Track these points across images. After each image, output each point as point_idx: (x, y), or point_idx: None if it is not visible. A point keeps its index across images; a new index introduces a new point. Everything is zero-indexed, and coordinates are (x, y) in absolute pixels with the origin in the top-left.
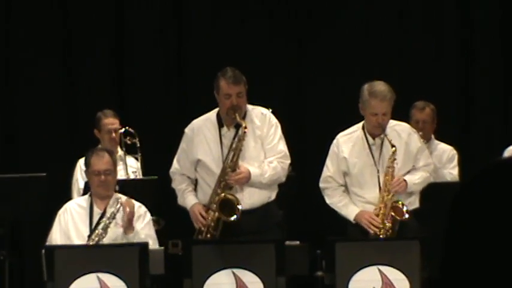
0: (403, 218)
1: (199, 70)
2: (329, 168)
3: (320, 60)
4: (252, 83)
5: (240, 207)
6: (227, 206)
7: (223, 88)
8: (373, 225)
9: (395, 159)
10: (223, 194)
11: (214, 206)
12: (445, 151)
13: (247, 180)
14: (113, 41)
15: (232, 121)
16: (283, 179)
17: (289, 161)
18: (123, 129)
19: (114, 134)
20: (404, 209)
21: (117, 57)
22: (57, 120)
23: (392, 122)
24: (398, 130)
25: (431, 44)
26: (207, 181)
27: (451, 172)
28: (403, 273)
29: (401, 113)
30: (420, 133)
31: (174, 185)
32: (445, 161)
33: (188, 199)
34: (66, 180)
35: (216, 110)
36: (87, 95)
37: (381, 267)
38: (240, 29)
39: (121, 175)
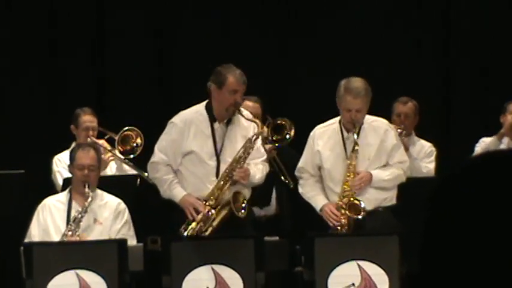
0: (359, 216)
1: (179, 65)
2: (303, 160)
3: (302, 57)
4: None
5: (245, 204)
6: (237, 201)
7: (232, 84)
8: (332, 218)
9: (357, 157)
10: (228, 189)
11: (213, 200)
12: (424, 146)
13: (248, 179)
14: (94, 36)
15: (226, 117)
16: (263, 181)
17: (268, 165)
18: (106, 137)
19: (90, 132)
20: (362, 206)
21: (98, 54)
22: (35, 117)
23: (370, 118)
24: (376, 126)
25: (413, 42)
26: (196, 173)
27: (427, 166)
28: (382, 268)
29: (383, 109)
30: (402, 126)
31: (157, 175)
32: (422, 155)
33: (177, 190)
34: (44, 177)
35: (204, 103)
36: (66, 91)
37: (360, 262)
38: (223, 25)
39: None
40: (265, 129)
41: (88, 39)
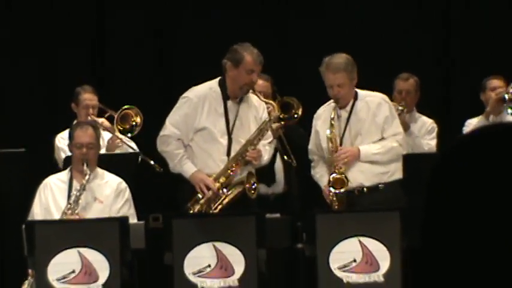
0: (340, 189)
1: (177, 45)
2: (310, 141)
3: (302, 38)
4: None
5: (255, 185)
6: (249, 182)
7: (249, 63)
8: (327, 195)
9: (334, 131)
10: (248, 171)
11: (224, 179)
12: (425, 123)
13: (260, 160)
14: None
15: (239, 95)
16: (268, 162)
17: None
18: (106, 115)
19: (91, 110)
20: (343, 177)
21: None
22: (35, 95)
23: (365, 93)
24: (369, 101)
25: (412, 18)
26: (207, 150)
27: (429, 143)
28: (383, 244)
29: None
30: (402, 103)
31: (168, 148)
32: (424, 132)
33: (187, 165)
34: (46, 155)
35: (217, 80)
36: (66, 70)
37: (361, 238)
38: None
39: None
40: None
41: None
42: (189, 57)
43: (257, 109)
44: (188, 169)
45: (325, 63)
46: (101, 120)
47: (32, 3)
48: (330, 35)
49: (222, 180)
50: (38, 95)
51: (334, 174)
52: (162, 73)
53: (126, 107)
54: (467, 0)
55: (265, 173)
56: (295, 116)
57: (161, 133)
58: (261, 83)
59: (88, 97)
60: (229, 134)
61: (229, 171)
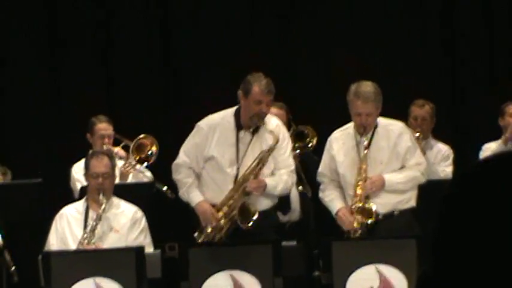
0: (370, 220)
1: (186, 69)
2: (321, 164)
3: (308, 56)
4: (237, 82)
5: (255, 217)
6: (244, 212)
7: (257, 94)
8: (345, 222)
9: (366, 160)
10: (244, 201)
11: (227, 208)
12: (441, 150)
13: (263, 191)
14: (103, 44)
15: (251, 126)
16: (289, 192)
17: (295, 176)
18: (121, 144)
19: (106, 140)
20: (374, 209)
21: (107, 62)
22: (50, 125)
23: (385, 121)
24: (390, 129)
25: (418, 43)
26: (215, 179)
27: (445, 169)
28: (401, 271)
29: (396, 112)
30: (418, 129)
31: (179, 176)
32: (440, 159)
33: (194, 194)
34: (62, 186)
35: (233, 110)
36: (79, 100)
37: (378, 265)
38: (225, 15)
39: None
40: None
41: (101, 69)
42: (206, 90)
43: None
44: (194, 198)
45: (354, 91)
46: (116, 149)
47: (35, 15)
48: (344, 60)
49: (225, 209)
50: (53, 126)
51: (358, 204)
52: (177, 100)
53: (141, 136)
54: (480, 25)
55: (281, 201)
56: (310, 144)
57: (175, 161)
58: (275, 111)
59: (103, 127)
60: (238, 164)
61: (230, 201)
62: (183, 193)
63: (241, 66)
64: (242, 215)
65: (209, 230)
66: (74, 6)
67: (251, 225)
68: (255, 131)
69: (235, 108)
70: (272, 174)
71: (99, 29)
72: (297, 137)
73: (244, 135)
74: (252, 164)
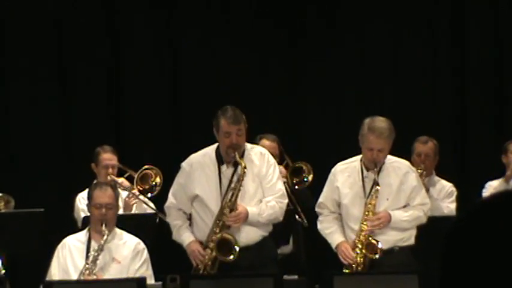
0: (375, 256)
1: (195, 102)
2: (323, 195)
3: (316, 89)
4: (245, 112)
5: (237, 248)
6: (225, 245)
7: (224, 126)
8: (346, 256)
9: (377, 196)
10: (220, 234)
11: (212, 244)
12: (445, 187)
13: (245, 220)
14: (111, 74)
15: (231, 159)
16: (281, 218)
17: (286, 201)
18: (126, 175)
19: (110, 170)
20: (379, 246)
21: (114, 92)
22: (54, 154)
23: (391, 158)
24: (396, 167)
25: (430, 73)
26: (202, 217)
27: (449, 206)
28: None
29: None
30: (422, 166)
31: (169, 219)
32: (443, 196)
33: (184, 235)
34: (64, 215)
35: (215, 146)
36: (84, 130)
37: None
38: (233, 58)
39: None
40: (280, 169)
41: (106, 99)
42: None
43: (258, 167)
44: (185, 240)
45: (368, 126)
46: (121, 180)
47: (43, 45)
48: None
49: (211, 245)
50: (57, 155)
51: (363, 238)
52: (180, 132)
53: (145, 167)
54: (484, 58)
55: (278, 234)
56: (305, 179)
57: (165, 204)
58: (267, 143)
59: (107, 157)
60: (221, 198)
61: (213, 236)
62: (174, 235)
63: (249, 104)
64: (222, 249)
65: (201, 269)
66: (82, 34)
67: (233, 257)
68: (236, 164)
69: (216, 144)
70: (260, 203)
71: (109, 59)
72: (293, 173)
73: (227, 169)
74: (225, 195)
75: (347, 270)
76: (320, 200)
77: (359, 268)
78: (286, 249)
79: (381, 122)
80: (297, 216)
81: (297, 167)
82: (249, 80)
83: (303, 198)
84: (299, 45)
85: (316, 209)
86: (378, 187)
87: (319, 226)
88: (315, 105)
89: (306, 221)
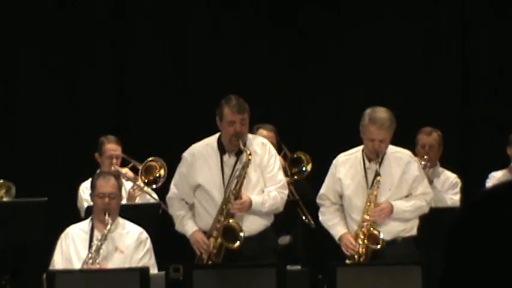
0: (377, 246)
1: (200, 93)
2: (324, 186)
3: (320, 81)
4: (251, 104)
5: (242, 234)
6: (230, 232)
7: (227, 115)
8: (349, 248)
9: (378, 187)
10: (226, 221)
11: (216, 232)
12: (449, 178)
13: (249, 209)
14: (115, 65)
15: (234, 148)
16: (281, 208)
17: (287, 191)
18: (129, 165)
19: (114, 160)
20: (381, 236)
21: (119, 82)
22: (58, 144)
23: (393, 149)
24: (398, 157)
25: (432, 69)
26: (205, 206)
27: (453, 198)
28: None
29: (401, 138)
30: (426, 158)
31: (171, 211)
32: (447, 187)
33: (188, 226)
34: (67, 205)
35: (217, 136)
36: (89, 119)
37: None
38: (240, 49)
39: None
40: (276, 158)
41: (111, 88)
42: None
43: (260, 157)
44: (188, 229)
45: (369, 116)
46: (125, 170)
47: (48, 33)
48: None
49: (215, 234)
50: (60, 144)
51: (365, 229)
52: (183, 103)
53: (150, 158)
54: (488, 49)
55: (279, 224)
56: (304, 169)
57: (167, 196)
58: (265, 133)
59: (112, 147)
60: (225, 187)
61: (218, 224)
62: (177, 226)
63: (254, 96)
64: (228, 236)
65: (205, 258)
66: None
67: (239, 244)
68: (239, 153)
69: (218, 134)
70: (262, 192)
71: (114, 47)
72: (292, 163)
73: (229, 158)
74: (231, 184)
75: (349, 261)
76: (321, 191)
77: (361, 259)
78: (284, 240)
79: (381, 113)
80: (303, 218)
81: (296, 157)
82: (249, 73)
83: (303, 190)
84: (301, 33)
85: (318, 201)
86: (379, 177)
87: (321, 218)
88: (318, 95)
89: (313, 222)
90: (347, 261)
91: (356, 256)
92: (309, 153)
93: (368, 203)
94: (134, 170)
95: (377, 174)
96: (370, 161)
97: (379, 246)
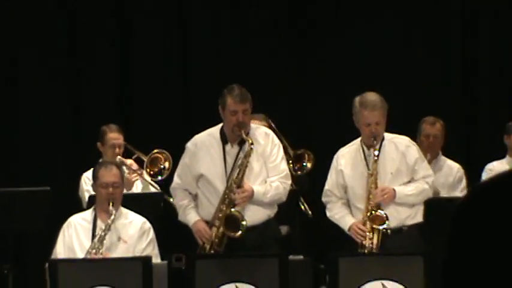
0: (384, 224)
1: (204, 86)
2: (328, 182)
3: (323, 76)
4: (253, 99)
5: (244, 223)
6: (232, 221)
7: (230, 105)
8: (360, 234)
9: (376, 168)
10: (228, 210)
11: (218, 222)
12: (453, 169)
13: (250, 198)
14: (118, 56)
15: (236, 138)
16: (284, 199)
17: (290, 181)
18: (134, 156)
19: (117, 149)
20: (384, 215)
21: (122, 72)
22: (61, 133)
23: (391, 135)
24: (397, 142)
25: (435, 64)
26: (208, 196)
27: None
28: (407, 287)
29: (403, 129)
30: (428, 155)
31: (175, 200)
32: (452, 182)
33: (190, 216)
34: (70, 194)
35: (219, 126)
36: (91, 108)
37: (384, 282)
38: (242, 46)
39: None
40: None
41: (114, 78)
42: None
43: (263, 147)
44: (190, 219)
45: (360, 101)
46: (129, 161)
47: (52, 24)
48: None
49: (217, 223)
50: (63, 134)
51: (369, 212)
52: (185, 94)
53: (156, 151)
54: (490, 42)
55: (282, 214)
56: (304, 164)
57: (171, 186)
58: (256, 122)
59: (114, 136)
60: (227, 177)
61: (220, 214)
62: (180, 216)
63: (254, 96)
64: (230, 225)
65: (207, 247)
66: (93, 19)
67: (241, 233)
68: (241, 143)
69: (220, 124)
70: (264, 182)
71: (117, 39)
72: (294, 159)
73: (231, 148)
74: (231, 172)
75: (361, 251)
76: (326, 187)
77: (372, 245)
78: (282, 230)
79: (371, 96)
80: (302, 207)
81: (299, 154)
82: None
83: (299, 181)
84: (307, 27)
85: (323, 198)
86: (375, 158)
87: (328, 214)
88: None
89: (310, 212)
90: (360, 251)
91: (367, 243)
92: (309, 148)
93: (370, 186)
94: (138, 160)
95: (375, 158)
96: (369, 148)
97: (385, 225)
